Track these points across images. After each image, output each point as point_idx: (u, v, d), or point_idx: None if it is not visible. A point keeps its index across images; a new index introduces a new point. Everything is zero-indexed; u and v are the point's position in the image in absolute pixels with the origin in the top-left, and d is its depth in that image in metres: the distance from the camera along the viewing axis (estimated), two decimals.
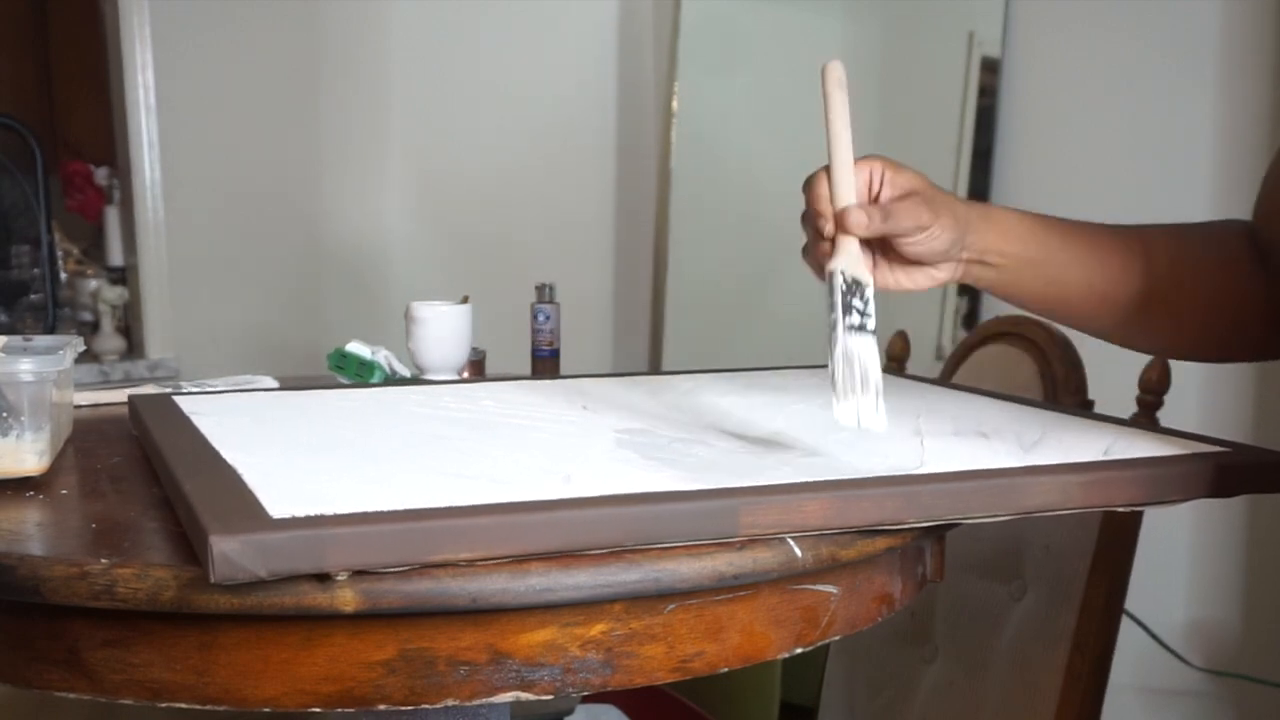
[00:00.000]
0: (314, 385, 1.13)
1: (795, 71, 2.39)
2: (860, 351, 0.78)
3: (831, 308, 0.78)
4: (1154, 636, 1.86)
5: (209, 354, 2.39)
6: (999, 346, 1.36)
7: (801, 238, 0.86)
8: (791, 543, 0.66)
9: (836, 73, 0.83)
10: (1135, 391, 1.16)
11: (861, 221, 0.80)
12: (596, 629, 0.64)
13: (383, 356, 1.36)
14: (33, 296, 2.65)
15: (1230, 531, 1.93)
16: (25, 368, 0.77)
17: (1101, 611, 1.14)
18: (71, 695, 0.64)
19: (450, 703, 0.63)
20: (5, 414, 0.77)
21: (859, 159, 0.84)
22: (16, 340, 0.86)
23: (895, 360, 1.51)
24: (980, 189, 2.12)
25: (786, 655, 0.70)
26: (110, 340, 2.46)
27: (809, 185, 0.84)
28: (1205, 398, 1.87)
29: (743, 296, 2.40)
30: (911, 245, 0.83)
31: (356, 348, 1.35)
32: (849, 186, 0.82)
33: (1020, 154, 2.09)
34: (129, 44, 2.28)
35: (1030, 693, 1.18)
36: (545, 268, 1.90)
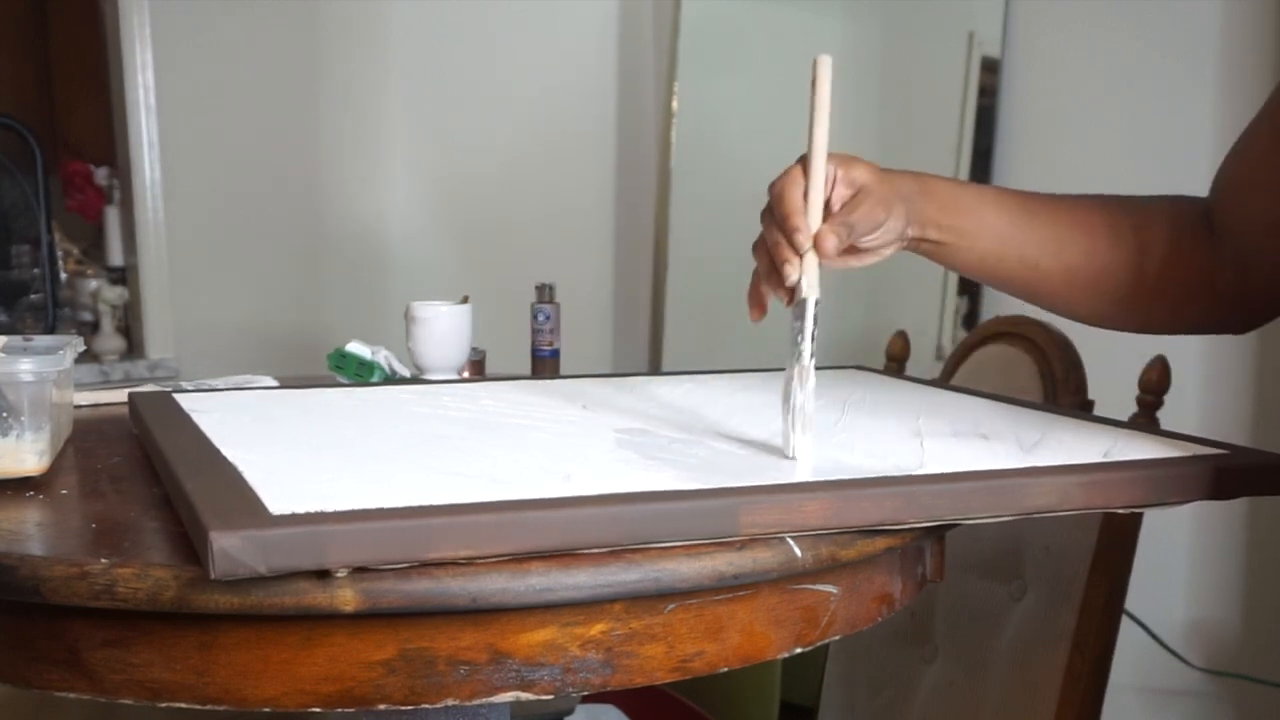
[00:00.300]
0: (314, 385, 1.13)
1: (795, 71, 2.39)
2: (811, 388, 0.78)
3: (800, 336, 0.79)
4: (1154, 636, 1.86)
5: (209, 354, 2.39)
6: (999, 346, 1.36)
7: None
8: (791, 543, 0.66)
9: (828, 67, 0.82)
10: (1135, 391, 1.16)
11: (835, 245, 0.80)
12: (596, 629, 0.64)
13: (383, 356, 1.36)
14: (33, 296, 2.65)
15: (1230, 532, 1.93)
16: (25, 368, 0.77)
17: (1101, 611, 1.14)
18: (71, 695, 0.64)
19: (450, 703, 0.63)
20: (5, 414, 0.77)
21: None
22: (16, 340, 0.86)
23: (895, 360, 1.51)
24: None
25: (786, 655, 0.70)
26: (110, 340, 2.46)
27: (782, 191, 0.83)
28: (1205, 398, 1.87)
29: (743, 297, 2.39)
30: (866, 241, 0.85)
31: (356, 348, 1.35)
32: (821, 203, 0.82)
33: (1020, 154, 2.09)
34: (129, 44, 2.28)
35: (1030, 693, 1.18)
36: (545, 268, 1.91)
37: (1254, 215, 0.86)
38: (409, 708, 0.63)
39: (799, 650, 0.71)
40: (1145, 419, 1.14)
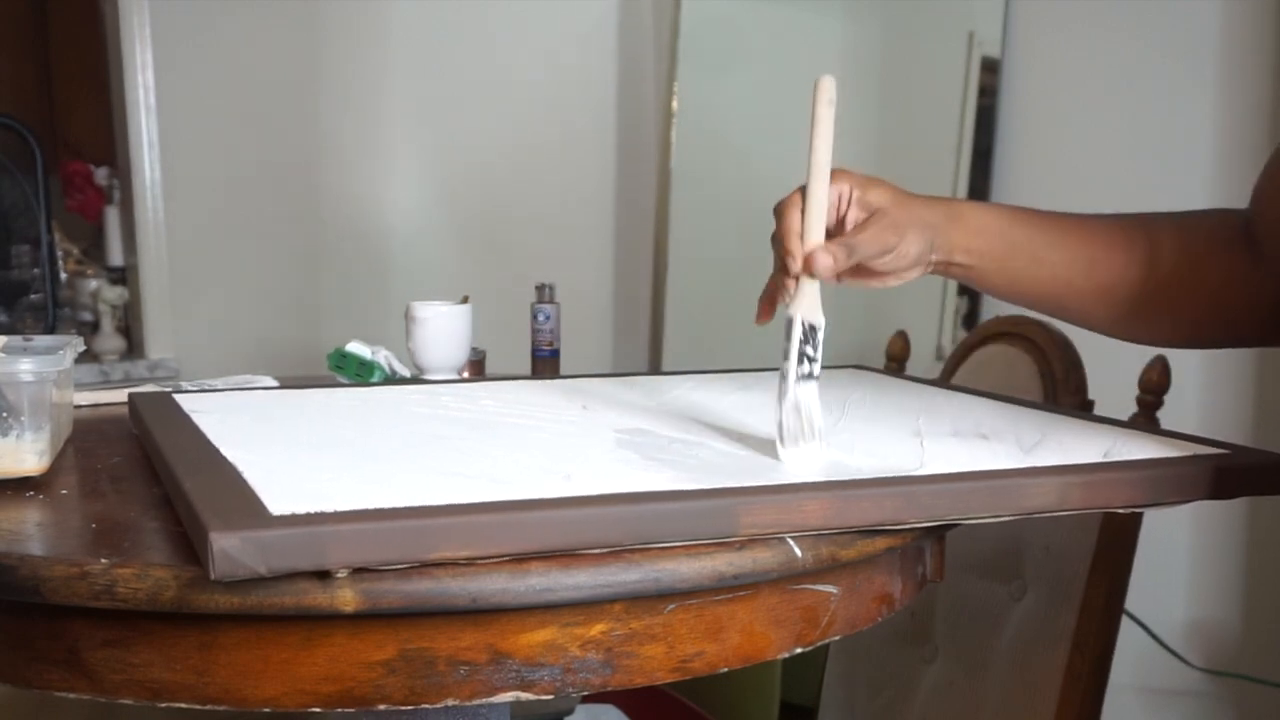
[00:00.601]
0: (314, 385, 1.13)
1: (795, 71, 2.39)
2: (808, 400, 0.78)
3: (786, 354, 0.79)
4: (1154, 636, 1.86)
5: (209, 354, 2.39)
6: (999, 346, 1.36)
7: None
8: (791, 543, 0.66)
9: (829, 89, 0.82)
10: (1135, 391, 1.16)
11: (828, 265, 0.81)
12: (596, 629, 0.64)
13: (383, 356, 1.36)
14: (33, 296, 2.65)
15: (1230, 532, 1.93)
16: (25, 368, 0.77)
17: (1101, 611, 1.14)
18: (71, 695, 0.64)
19: (450, 703, 0.63)
20: (5, 414, 0.77)
21: (832, 173, 0.84)
22: (16, 340, 0.86)
23: (895, 360, 1.51)
24: (980, 189, 2.12)
25: (786, 655, 0.70)
26: (110, 340, 2.46)
27: (782, 213, 0.84)
28: (1205, 398, 1.87)
29: (743, 297, 2.39)
30: (880, 264, 0.85)
31: (356, 348, 1.35)
32: (820, 224, 0.82)
33: (1020, 154, 2.09)
34: (129, 44, 2.28)
35: (1030, 693, 1.18)
36: (545, 268, 1.91)
37: None
38: (409, 708, 0.63)
39: (799, 650, 0.71)
40: (1145, 419, 1.14)
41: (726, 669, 0.68)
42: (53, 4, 2.80)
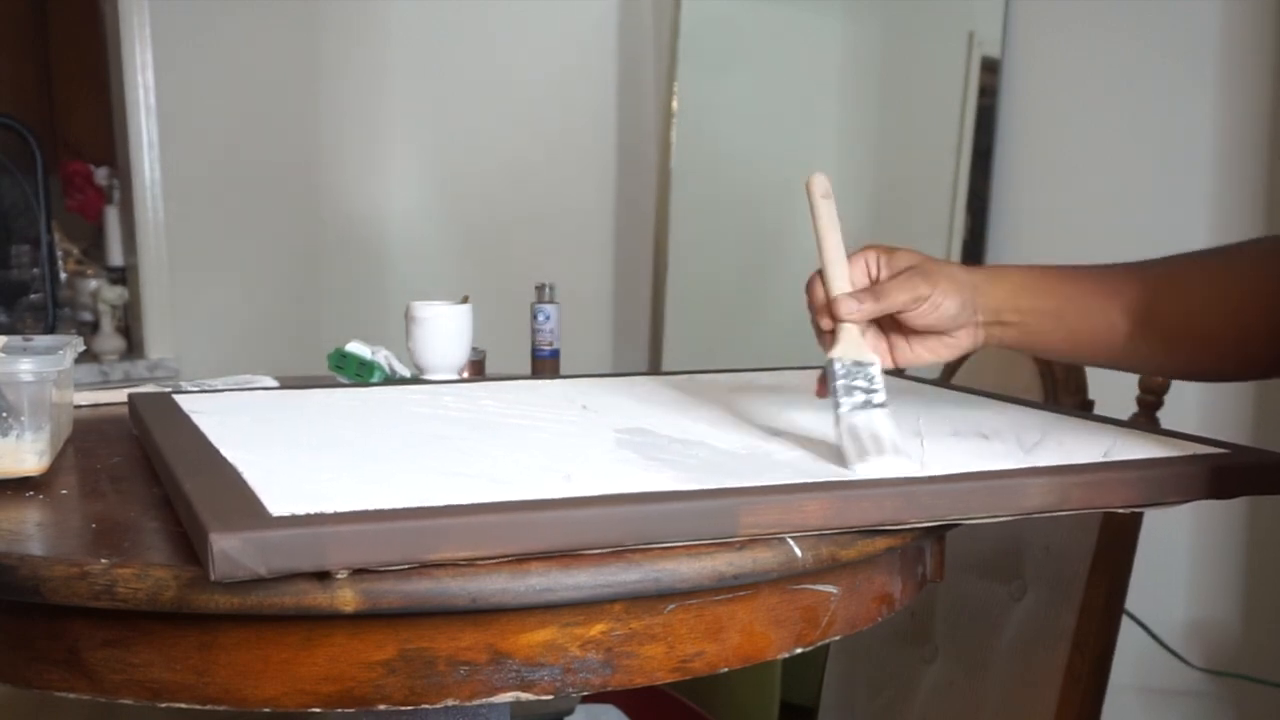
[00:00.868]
0: (314, 385, 1.13)
1: (795, 71, 2.40)
2: (866, 423, 0.78)
3: (831, 393, 0.81)
4: (1154, 636, 1.86)
5: (209, 354, 2.39)
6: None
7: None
8: (791, 543, 0.66)
9: (821, 185, 0.87)
10: (1135, 391, 1.16)
11: (853, 307, 0.84)
12: (596, 629, 0.64)
13: (383, 356, 1.36)
14: (33, 296, 2.65)
15: (1230, 532, 1.93)
16: (25, 368, 0.77)
17: (1101, 611, 1.14)
18: (71, 695, 0.64)
19: (450, 703, 0.63)
20: (5, 414, 0.77)
21: (856, 252, 0.87)
22: (16, 340, 0.86)
23: None
24: (980, 189, 2.12)
25: (786, 655, 0.70)
26: (110, 340, 2.46)
27: (808, 288, 0.87)
28: (1205, 398, 1.87)
29: (743, 296, 2.40)
30: (917, 318, 0.85)
31: (356, 348, 1.35)
32: (841, 279, 0.85)
33: (1020, 154, 2.09)
34: (129, 44, 2.28)
35: (1030, 693, 1.18)
36: (545, 268, 1.90)
37: None
38: (409, 708, 0.63)
39: (799, 650, 0.71)
40: (1145, 419, 1.14)
41: (726, 669, 0.68)
42: (53, 4, 2.80)
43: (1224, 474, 0.78)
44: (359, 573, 0.58)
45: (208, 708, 0.63)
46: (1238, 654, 1.92)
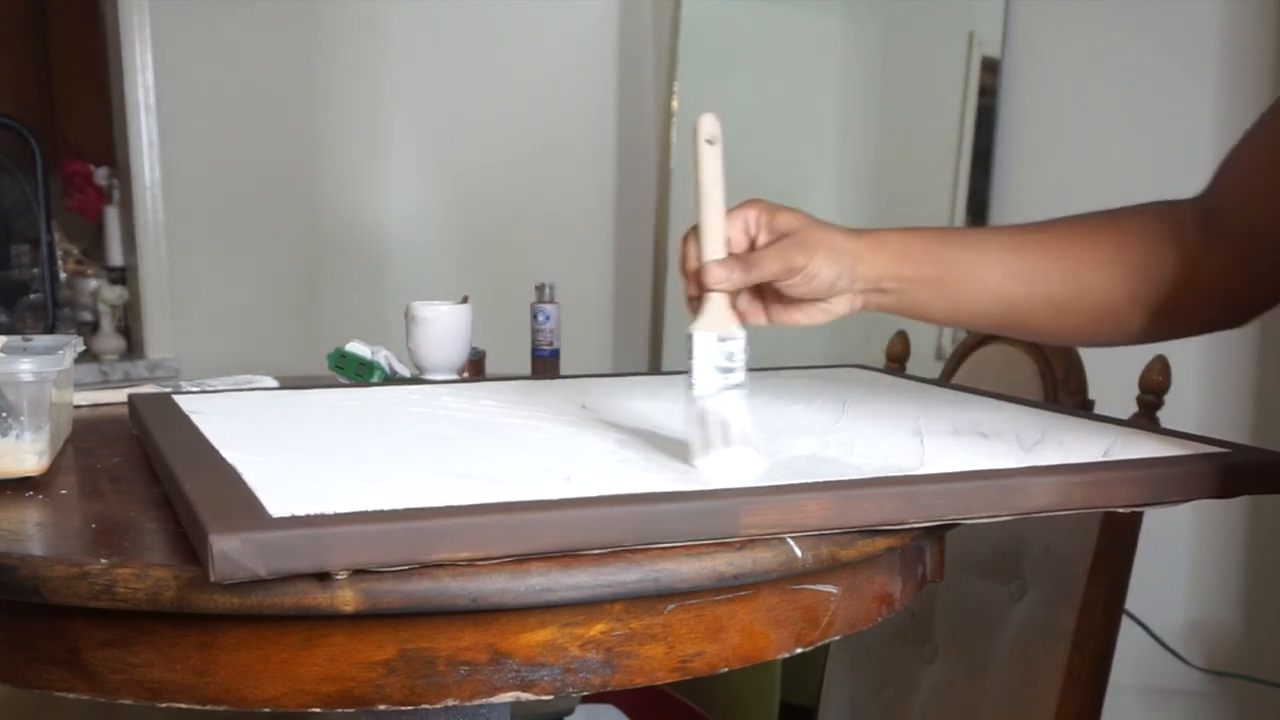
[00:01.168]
0: (314, 385, 1.13)
1: (795, 71, 2.40)
2: (717, 410, 0.77)
3: (689, 371, 0.79)
4: (1154, 636, 1.86)
5: (209, 354, 2.39)
6: (999, 346, 1.36)
7: None
8: (791, 543, 0.66)
9: (707, 128, 0.82)
10: (1135, 391, 1.16)
11: (721, 277, 0.80)
12: (596, 629, 0.64)
13: (383, 356, 1.36)
14: (33, 296, 2.65)
15: (1230, 532, 1.93)
16: (25, 368, 0.77)
17: (1101, 611, 1.14)
18: (71, 695, 0.64)
19: (450, 703, 0.63)
20: (5, 414, 0.77)
21: (737, 207, 0.84)
22: (16, 340, 0.86)
23: (895, 360, 1.51)
24: (980, 189, 2.12)
25: (786, 655, 0.70)
26: (110, 340, 2.46)
27: (682, 243, 0.84)
28: (1205, 398, 1.87)
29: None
30: (790, 288, 0.83)
31: (356, 348, 1.35)
32: (715, 243, 0.81)
33: (1020, 154, 2.09)
34: (129, 44, 2.28)
35: (1030, 693, 1.18)
36: (545, 268, 1.90)
37: (1266, 206, 0.84)
38: (409, 708, 0.63)
39: (799, 650, 0.71)
40: (1145, 418, 1.14)
41: (726, 669, 0.68)
42: (53, 4, 2.80)
43: (1224, 473, 0.78)
44: (359, 573, 0.58)
45: (208, 708, 0.63)
46: (1238, 654, 1.92)
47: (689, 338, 0.79)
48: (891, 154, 2.30)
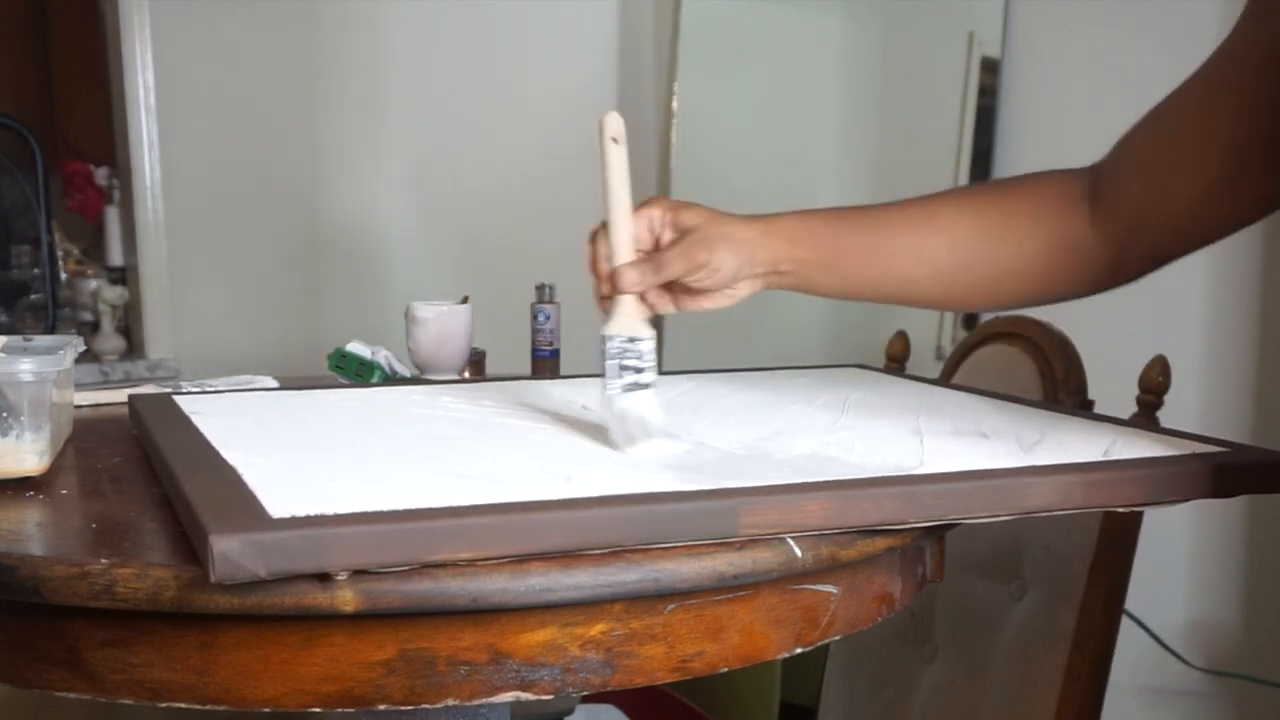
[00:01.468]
0: (314, 385, 1.13)
1: (795, 71, 2.40)
2: (635, 407, 0.81)
3: (604, 372, 0.82)
4: (1154, 636, 1.86)
5: (209, 354, 2.39)
6: (999, 346, 1.36)
7: None
8: (791, 543, 0.66)
9: (612, 126, 0.85)
10: (1135, 391, 1.16)
11: (633, 280, 0.85)
12: (596, 629, 0.64)
13: (383, 356, 1.36)
14: (33, 296, 2.65)
15: (1230, 532, 1.93)
16: (25, 368, 0.77)
17: (1101, 611, 1.14)
18: (71, 695, 0.64)
19: (450, 703, 0.63)
20: (5, 414, 0.77)
21: (641, 205, 0.88)
22: (16, 340, 0.86)
23: (895, 360, 1.51)
24: None
25: (786, 655, 0.70)
26: (110, 340, 2.46)
27: (590, 243, 0.89)
28: (1205, 398, 1.87)
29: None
30: (695, 282, 0.87)
31: (356, 348, 1.35)
32: (624, 245, 0.85)
33: (1020, 154, 2.09)
34: (129, 44, 2.28)
35: (1030, 693, 1.18)
36: (545, 268, 1.90)
37: (1168, 173, 0.86)
38: (409, 708, 0.63)
39: (799, 650, 0.71)
40: (1145, 418, 1.14)
41: (726, 669, 0.68)
42: (53, 4, 2.80)
43: (1224, 473, 0.78)
44: (359, 573, 0.58)
45: (208, 708, 0.63)
46: (1238, 654, 1.92)
47: (602, 339, 0.84)
48: (891, 154, 2.30)
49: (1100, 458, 0.78)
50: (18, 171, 2.47)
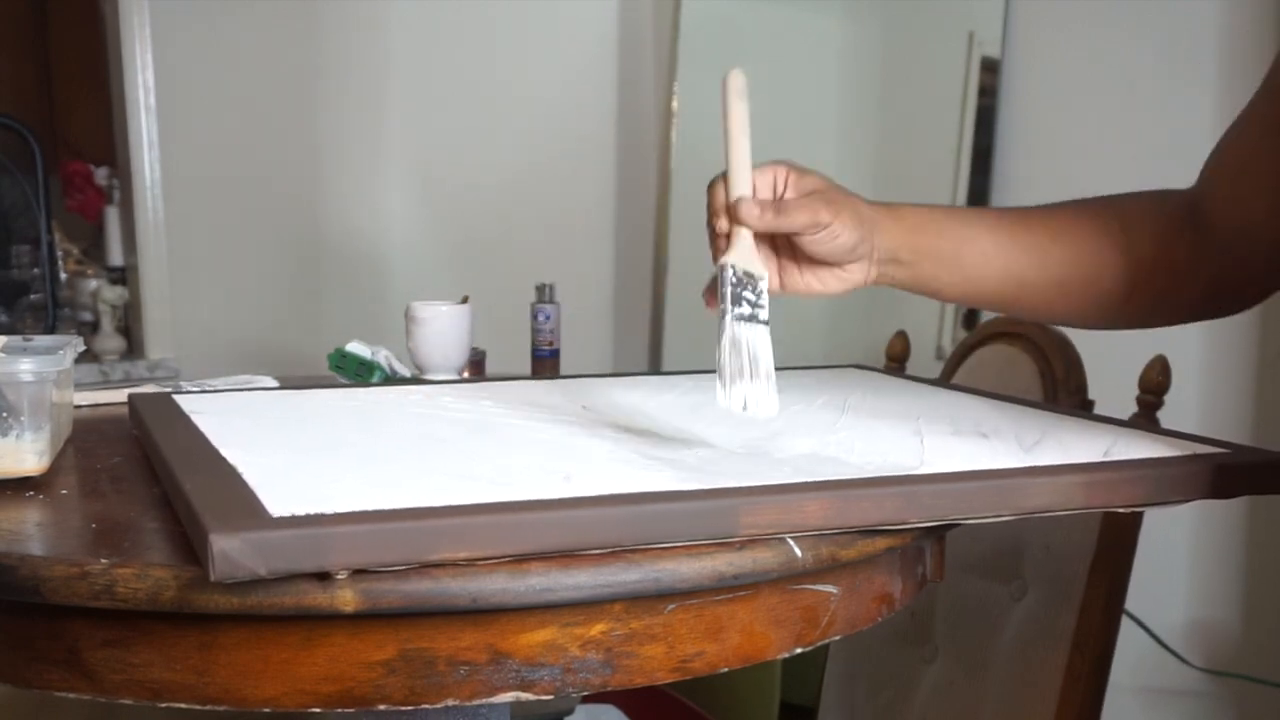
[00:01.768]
0: (314, 385, 1.13)
1: (795, 71, 2.39)
2: (750, 338, 0.78)
3: (721, 299, 0.80)
4: (1154, 636, 1.86)
5: (209, 354, 2.39)
6: (999, 346, 1.36)
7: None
8: (791, 543, 0.66)
9: (737, 82, 0.85)
10: (1135, 391, 1.16)
11: (753, 213, 0.82)
12: (596, 629, 0.64)
13: (383, 356, 1.36)
14: (33, 296, 2.65)
15: (1230, 532, 1.93)
16: (25, 368, 0.77)
17: (1101, 611, 1.14)
18: (71, 695, 0.64)
19: (450, 703, 0.63)
20: (5, 414, 0.77)
21: (765, 163, 0.86)
22: (16, 340, 0.86)
23: (895, 360, 1.51)
24: (980, 189, 2.12)
25: (786, 655, 0.70)
26: (110, 340, 2.46)
27: (709, 188, 0.86)
28: (1205, 398, 1.87)
29: None
30: (813, 244, 0.84)
31: (356, 348, 1.35)
32: (744, 184, 0.83)
33: (1020, 154, 2.09)
34: (129, 44, 2.28)
35: (1030, 693, 1.18)
36: (545, 268, 1.91)
37: (1251, 203, 0.86)
38: (409, 708, 0.63)
39: (799, 650, 0.71)
40: (1145, 418, 1.14)
41: (726, 669, 0.68)
42: (53, 4, 2.80)
43: (1224, 473, 0.78)
44: (359, 573, 0.58)
45: (208, 708, 0.63)
46: (1238, 654, 1.92)
47: (721, 267, 0.81)
48: (891, 154, 2.30)
49: (1100, 458, 0.78)
50: (18, 171, 2.47)
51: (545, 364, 1.70)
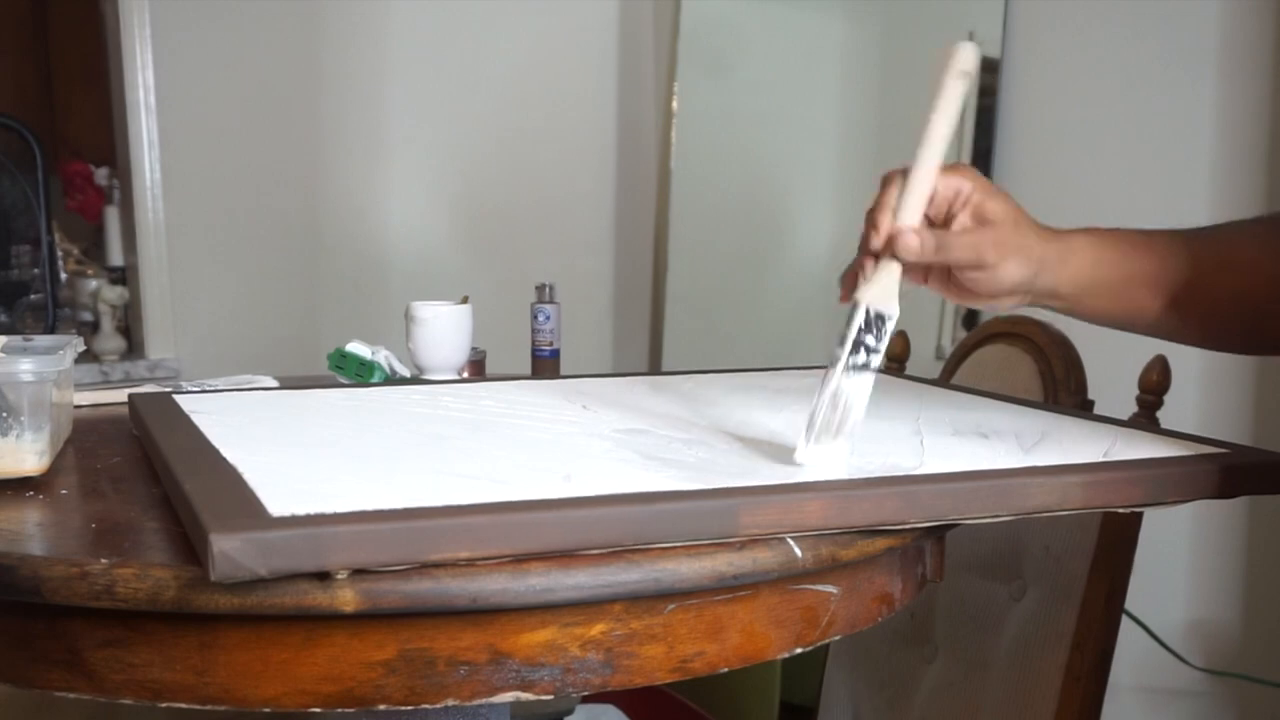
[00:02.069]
0: (314, 385, 1.13)
1: (795, 71, 2.40)
2: (851, 392, 0.75)
3: (842, 340, 0.75)
4: (1154, 636, 1.86)
5: (209, 354, 2.39)
6: (999, 346, 1.36)
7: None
8: (791, 543, 0.66)
9: (966, 59, 0.75)
10: (1135, 391, 1.16)
11: (912, 247, 0.76)
12: (596, 629, 0.64)
13: (383, 356, 1.36)
14: (33, 296, 2.65)
15: (1230, 532, 1.93)
16: (25, 368, 0.77)
17: (1101, 611, 1.14)
18: (71, 695, 0.64)
19: (450, 703, 0.63)
20: (5, 414, 0.77)
21: (952, 167, 0.79)
22: (16, 340, 0.86)
23: (895, 360, 1.51)
24: None
25: (786, 655, 0.70)
26: (110, 340, 2.46)
27: (883, 184, 0.79)
28: (1205, 398, 1.87)
29: (742, 296, 2.40)
30: (970, 281, 0.80)
31: (356, 348, 1.35)
32: (918, 205, 0.77)
33: (1020, 154, 2.09)
34: (129, 44, 2.28)
35: (1030, 693, 1.18)
36: (545, 268, 1.91)
37: None
38: (409, 708, 0.63)
39: (799, 650, 0.71)
40: (1145, 419, 1.14)
41: (726, 669, 0.68)
42: (53, 4, 2.80)
43: (1224, 474, 0.78)
44: (359, 573, 0.58)
45: (208, 708, 0.63)
46: (1238, 654, 1.92)
47: (855, 305, 0.76)
48: (891, 154, 2.30)
49: (1100, 458, 0.78)
50: (18, 171, 2.47)
51: (545, 364, 1.70)
